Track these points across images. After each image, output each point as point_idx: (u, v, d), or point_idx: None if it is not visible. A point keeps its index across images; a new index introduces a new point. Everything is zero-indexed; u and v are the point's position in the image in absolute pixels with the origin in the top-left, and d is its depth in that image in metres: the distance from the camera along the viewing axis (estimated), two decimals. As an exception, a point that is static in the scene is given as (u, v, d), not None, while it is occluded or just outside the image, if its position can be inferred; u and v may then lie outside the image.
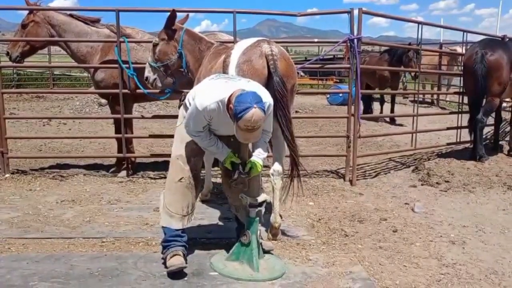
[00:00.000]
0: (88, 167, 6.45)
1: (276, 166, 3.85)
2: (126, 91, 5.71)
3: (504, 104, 9.56)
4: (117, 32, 5.64)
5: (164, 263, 3.30)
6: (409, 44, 10.87)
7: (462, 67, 7.65)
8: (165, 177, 5.75)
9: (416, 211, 4.78)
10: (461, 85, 7.80)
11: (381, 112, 11.62)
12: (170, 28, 4.62)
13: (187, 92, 3.41)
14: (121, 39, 5.62)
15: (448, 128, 7.87)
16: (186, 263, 3.24)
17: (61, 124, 10.21)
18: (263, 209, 3.43)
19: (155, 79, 4.81)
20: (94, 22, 6.05)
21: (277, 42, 4.03)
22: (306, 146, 8.00)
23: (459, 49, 11.55)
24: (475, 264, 3.57)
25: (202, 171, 4.32)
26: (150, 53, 4.80)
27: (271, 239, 3.86)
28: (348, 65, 6.00)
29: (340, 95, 13.47)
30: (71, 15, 5.97)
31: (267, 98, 3.12)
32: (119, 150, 6.17)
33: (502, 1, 13.01)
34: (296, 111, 11.69)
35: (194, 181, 3.35)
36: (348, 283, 3.19)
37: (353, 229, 4.26)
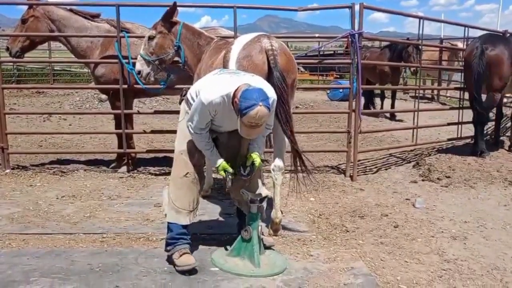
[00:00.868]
0: (88, 162, 6.44)
1: (277, 162, 3.84)
2: (126, 86, 5.69)
3: (505, 100, 9.54)
4: (117, 27, 5.62)
5: (168, 260, 3.30)
6: (408, 39, 10.84)
7: (463, 62, 7.63)
8: (165, 173, 5.81)
9: (417, 207, 4.77)
10: (462, 80, 7.79)
11: (382, 107, 11.61)
12: (168, 21, 4.56)
13: (188, 87, 3.39)
14: (121, 34, 5.59)
15: (449, 124, 7.86)
16: None
17: (61, 119, 10.19)
18: (265, 204, 3.42)
19: (148, 73, 4.68)
20: (94, 17, 6.02)
21: (277, 37, 4.00)
22: (306, 141, 7.99)
23: (460, 45, 11.51)
24: (477, 260, 3.56)
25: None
26: (142, 46, 4.68)
27: (272, 235, 3.86)
28: (349, 60, 5.98)
29: (341, 90, 13.45)
30: (71, 10, 5.93)
31: (272, 94, 3.11)
32: (120, 146, 6.16)
33: (503, -4, 12.96)
34: (297, 107, 11.67)
35: (199, 176, 3.33)
36: (350, 278, 3.18)
37: (354, 224, 4.25)
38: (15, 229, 4.01)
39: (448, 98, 14.55)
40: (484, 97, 6.90)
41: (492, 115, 7.16)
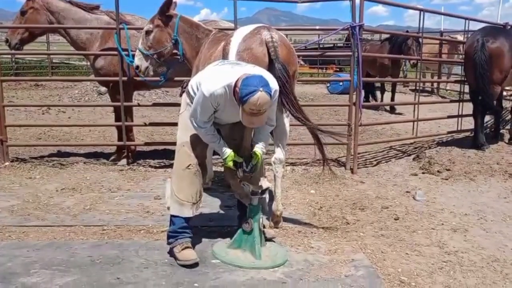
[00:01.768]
0: (88, 155, 6.43)
1: (278, 154, 3.84)
2: (126, 79, 5.67)
3: (505, 93, 9.54)
4: (116, 19, 5.58)
5: (169, 252, 3.30)
6: (407, 31, 10.81)
7: (463, 55, 7.62)
8: (165, 165, 5.80)
9: (418, 199, 4.77)
10: (462, 73, 7.77)
11: (382, 100, 11.59)
12: (164, 15, 4.51)
13: (188, 79, 3.36)
14: (121, 26, 5.55)
15: (449, 117, 7.85)
16: None
17: (60, 112, 10.15)
18: (266, 196, 3.42)
19: (147, 67, 4.64)
20: (94, 8, 5.98)
21: (277, 30, 3.97)
22: (306, 134, 7.95)
23: (460, 38, 11.48)
24: (477, 252, 3.56)
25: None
26: (140, 40, 4.64)
27: (273, 227, 3.86)
28: (350, 53, 5.96)
29: (341, 84, 13.40)
30: (70, 2, 5.89)
31: (274, 84, 3.08)
32: (119, 138, 6.14)
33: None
34: (296, 100, 11.61)
35: (201, 168, 3.31)
36: (351, 270, 3.18)
37: (354, 217, 4.25)
38: (15, 222, 4.01)
39: (448, 91, 14.53)
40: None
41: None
